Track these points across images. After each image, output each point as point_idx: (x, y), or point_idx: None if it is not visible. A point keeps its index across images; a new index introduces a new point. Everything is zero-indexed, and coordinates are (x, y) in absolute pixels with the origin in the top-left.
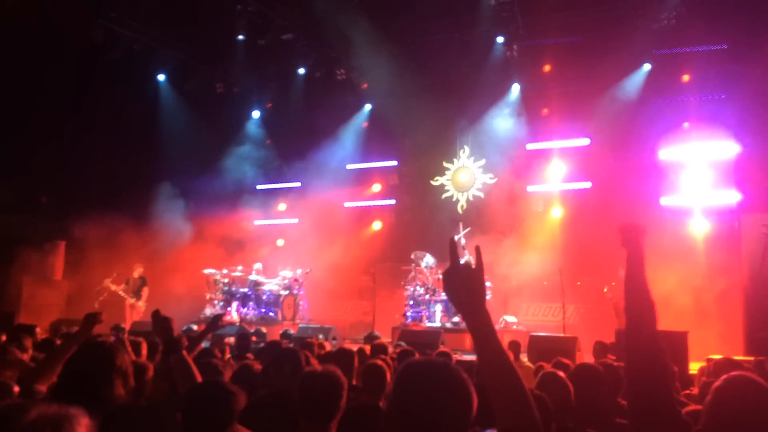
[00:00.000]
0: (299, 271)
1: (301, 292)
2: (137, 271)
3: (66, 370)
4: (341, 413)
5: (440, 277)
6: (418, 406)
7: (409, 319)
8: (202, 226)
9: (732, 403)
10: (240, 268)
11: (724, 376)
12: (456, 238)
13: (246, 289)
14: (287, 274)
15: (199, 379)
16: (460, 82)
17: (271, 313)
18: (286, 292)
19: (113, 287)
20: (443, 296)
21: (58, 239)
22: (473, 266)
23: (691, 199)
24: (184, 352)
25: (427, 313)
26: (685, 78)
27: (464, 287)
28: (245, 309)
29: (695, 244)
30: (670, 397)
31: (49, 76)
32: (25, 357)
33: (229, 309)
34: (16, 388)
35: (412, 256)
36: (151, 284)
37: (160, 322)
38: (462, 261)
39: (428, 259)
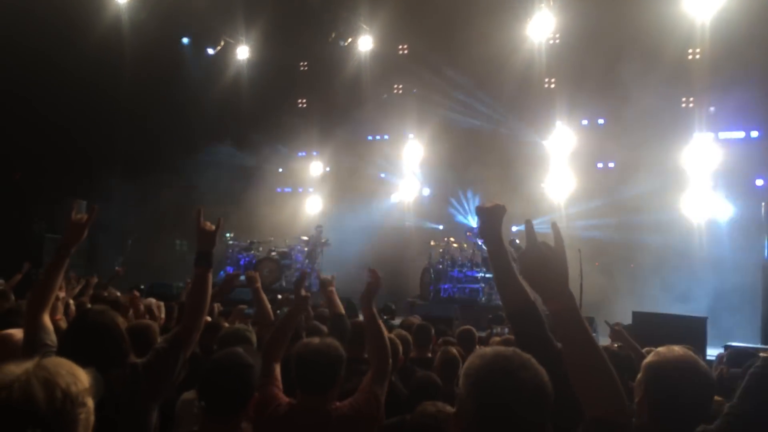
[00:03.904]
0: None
1: (298, 258)
2: None
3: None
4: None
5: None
6: None
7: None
8: None
9: (667, 381)
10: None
11: (659, 350)
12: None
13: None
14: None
15: (208, 302)
16: None
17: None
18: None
19: None
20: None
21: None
22: (553, 244)
23: (715, 182)
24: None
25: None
26: None
27: (545, 268)
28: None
29: (719, 230)
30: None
31: None
32: None
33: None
34: None
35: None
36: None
37: (205, 232)
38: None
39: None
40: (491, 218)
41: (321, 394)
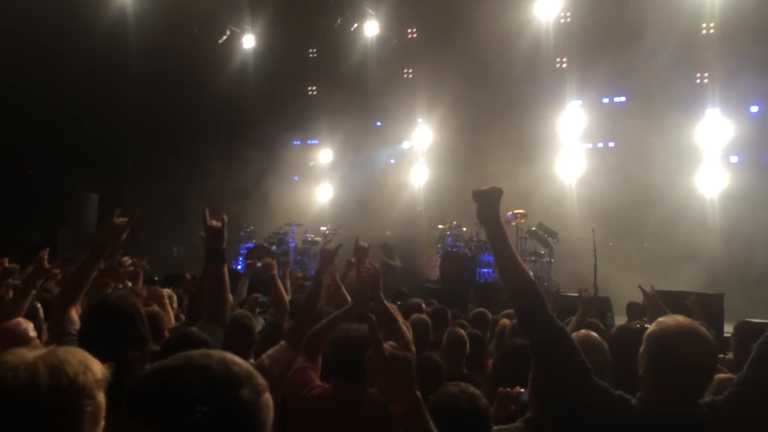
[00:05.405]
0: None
1: (291, 245)
2: None
3: (82, 333)
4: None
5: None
6: None
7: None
8: None
9: (669, 349)
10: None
11: (659, 320)
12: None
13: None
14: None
15: (229, 294)
16: None
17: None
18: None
19: None
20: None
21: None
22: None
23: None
24: (225, 268)
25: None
26: None
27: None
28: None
29: (730, 205)
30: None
31: None
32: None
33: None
34: None
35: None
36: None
37: (213, 228)
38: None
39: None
40: (488, 201)
41: (358, 381)
